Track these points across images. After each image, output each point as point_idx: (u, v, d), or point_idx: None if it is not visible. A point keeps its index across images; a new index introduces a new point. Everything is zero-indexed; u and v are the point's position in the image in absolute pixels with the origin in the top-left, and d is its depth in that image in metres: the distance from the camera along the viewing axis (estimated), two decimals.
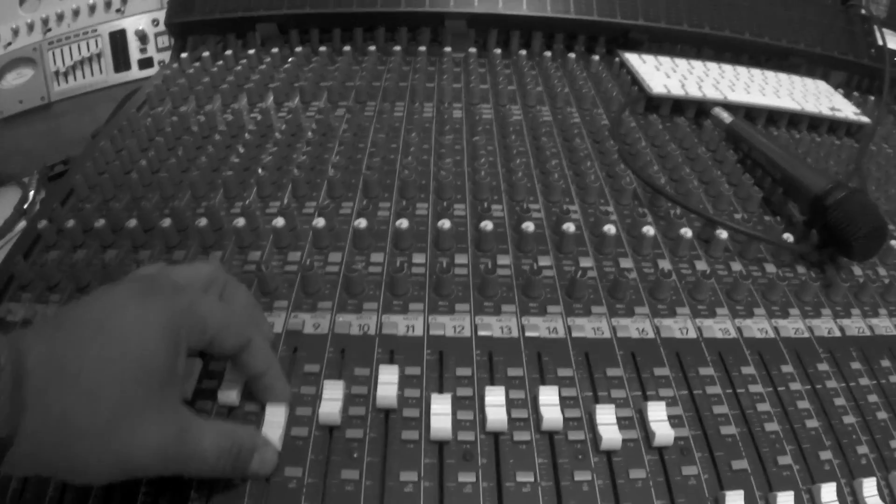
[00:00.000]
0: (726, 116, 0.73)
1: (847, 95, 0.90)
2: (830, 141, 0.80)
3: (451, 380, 0.41)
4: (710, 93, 0.79)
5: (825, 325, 0.50)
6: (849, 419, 0.43)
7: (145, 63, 1.01)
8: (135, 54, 1.01)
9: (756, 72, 0.89)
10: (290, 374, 0.40)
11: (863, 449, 0.41)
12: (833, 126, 0.83)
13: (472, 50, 0.87)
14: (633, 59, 0.86)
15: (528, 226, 0.52)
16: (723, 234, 0.55)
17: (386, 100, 0.74)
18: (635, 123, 0.73)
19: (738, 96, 0.79)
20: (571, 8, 0.88)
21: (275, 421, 0.36)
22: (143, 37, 0.99)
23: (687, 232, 0.54)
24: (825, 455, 0.40)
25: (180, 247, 0.51)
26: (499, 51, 0.86)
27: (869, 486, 0.38)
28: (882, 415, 0.44)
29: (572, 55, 0.87)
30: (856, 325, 0.51)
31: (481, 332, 0.44)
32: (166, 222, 0.51)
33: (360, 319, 0.45)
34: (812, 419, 0.42)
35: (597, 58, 0.87)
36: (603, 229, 0.53)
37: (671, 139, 0.70)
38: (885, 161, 0.78)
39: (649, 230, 0.53)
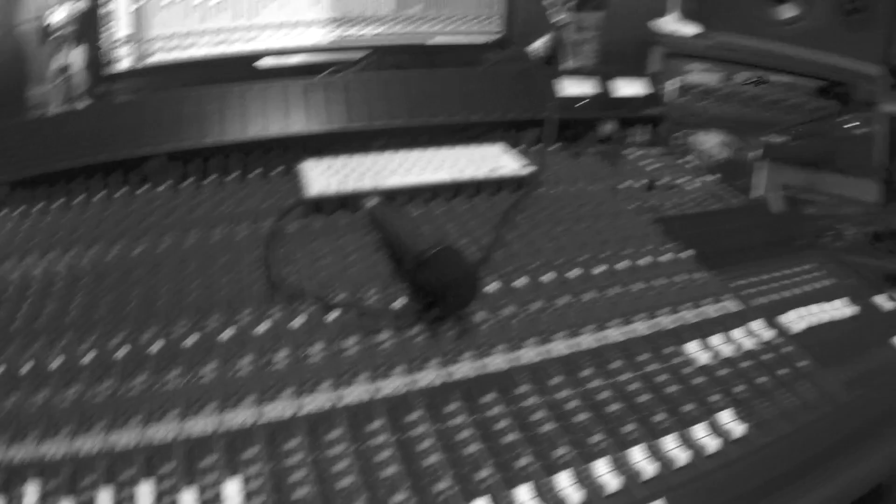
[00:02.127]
0: (370, 203, 0.80)
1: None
2: (499, 199, 0.89)
3: None
4: (368, 183, 0.86)
5: (429, 377, 0.56)
6: (433, 458, 0.49)
7: None
8: None
9: (431, 152, 0.98)
10: None
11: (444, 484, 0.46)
12: (502, 184, 0.92)
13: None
14: (308, 165, 0.92)
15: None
16: (332, 315, 0.62)
17: None
18: (301, 227, 0.79)
19: (396, 180, 0.87)
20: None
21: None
22: None
23: (301, 318, 0.62)
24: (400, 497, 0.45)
25: None
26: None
27: None
28: (471, 448, 0.50)
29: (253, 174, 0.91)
30: (461, 370, 0.57)
31: None
32: None
33: None
34: (391, 466, 0.48)
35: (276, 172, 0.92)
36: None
37: (324, 235, 0.77)
38: (547, 204, 0.88)
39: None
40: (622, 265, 0.71)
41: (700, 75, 1.33)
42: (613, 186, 0.94)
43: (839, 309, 0.70)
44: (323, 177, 0.87)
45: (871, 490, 0.54)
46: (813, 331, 0.68)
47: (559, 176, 0.96)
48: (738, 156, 1.22)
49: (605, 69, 1.22)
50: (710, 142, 1.21)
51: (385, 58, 1.23)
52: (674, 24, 1.37)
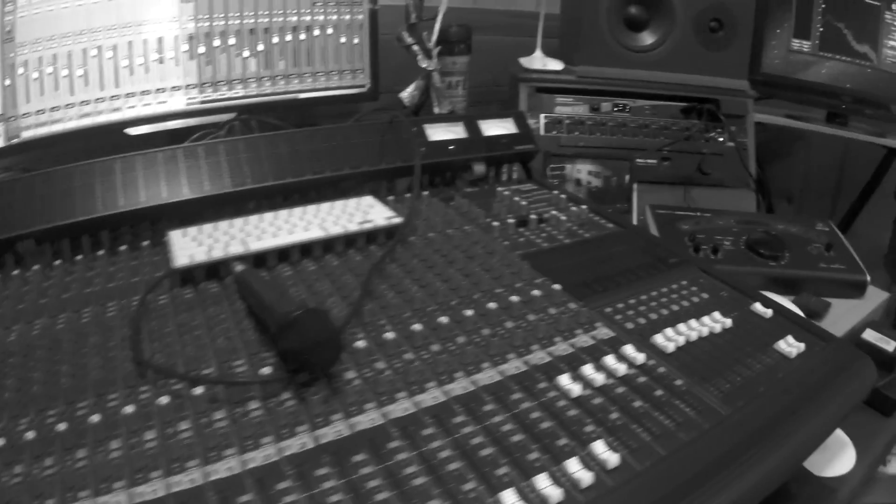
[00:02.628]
0: (237, 269, 0.78)
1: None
2: (371, 251, 0.89)
3: None
4: (235, 249, 0.84)
5: (298, 443, 0.55)
6: None
7: None
8: None
9: (301, 210, 0.96)
10: None
11: None
12: (373, 236, 0.92)
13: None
14: (175, 235, 0.88)
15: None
16: (197, 390, 0.59)
17: None
18: (168, 300, 0.76)
19: (262, 244, 0.85)
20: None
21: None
22: None
23: (163, 399, 0.59)
24: None
25: None
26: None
27: None
28: None
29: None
30: (331, 432, 0.56)
31: None
32: None
33: None
34: None
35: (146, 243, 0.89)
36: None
37: (193, 307, 0.75)
38: (419, 250, 0.88)
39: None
40: (492, 305, 0.70)
41: (568, 108, 1.34)
42: (487, 226, 0.95)
43: (715, 322, 0.74)
44: (190, 246, 0.84)
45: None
46: (687, 348, 0.70)
47: (432, 222, 0.96)
48: (610, 183, 1.25)
49: (476, 111, 1.26)
50: (582, 171, 1.23)
51: (251, 119, 1.24)
52: (540, 62, 1.40)
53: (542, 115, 1.38)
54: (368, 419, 0.57)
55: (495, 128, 1.19)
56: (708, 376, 0.62)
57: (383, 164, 1.08)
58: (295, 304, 0.59)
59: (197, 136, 1.08)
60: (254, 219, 0.92)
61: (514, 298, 0.72)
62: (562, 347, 0.64)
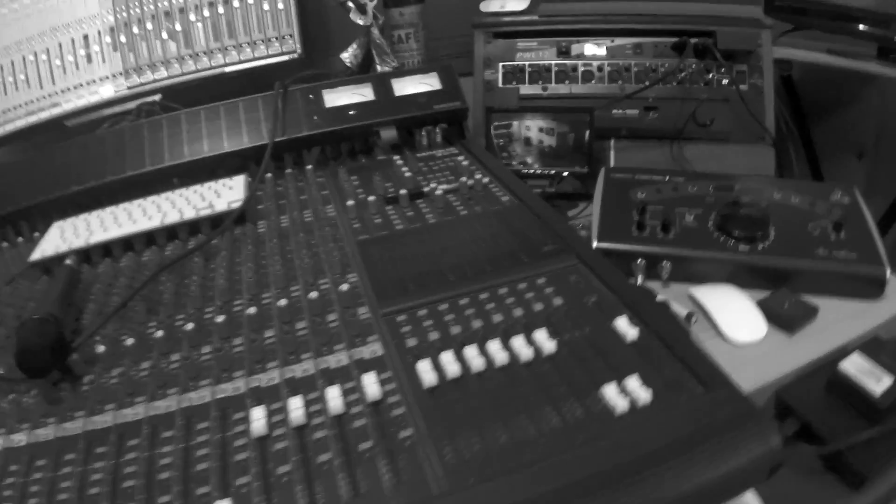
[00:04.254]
0: (67, 262, 0.74)
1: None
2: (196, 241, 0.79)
3: None
4: (79, 242, 0.79)
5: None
6: None
7: None
8: None
9: (168, 196, 0.88)
10: None
11: None
12: (217, 221, 0.82)
13: None
14: (58, 225, 0.86)
15: None
16: None
17: None
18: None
19: (101, 236, 0.79)
20: None
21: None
22: None
23: None
24: None
25: None
26: None
27: None
28: None
29: None
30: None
31: None
32: None
33: None
34: None
35: None
36: None
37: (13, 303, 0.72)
38: (253, 240, 0.77)
39: None
40: (283, 303, 0.62)
41: (531, 54, 1.10)
42: (355, 205, 0.81)
43: (530, 346, 0.54)
44: (59, 238, 0.80)
45: None
46: (463, 382, 0.51)
47: (292, 202, 0.85)
48: (566, 140, 1.00)
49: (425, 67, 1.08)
50: (531, 129, 0.99)
51: (156, 104, 1.19)
52: (500, 2, 1.16)
53: (501, 65, 1.13)
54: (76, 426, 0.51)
55: (414, 86, 1.02)
56: (458, 431, 0.46)
57: (283, 135, 0.96)
58: (39, 310, 0.58)
59: (108, 124, 1.15)
60: (129, 206, 0.86)
61: (314, 295, 0.63)
62: (304, 367, 0.54)
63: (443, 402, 0.50)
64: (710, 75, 1.10)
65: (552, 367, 0.52)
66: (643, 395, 0.48)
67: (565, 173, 1.04)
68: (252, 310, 0.60)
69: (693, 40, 1.11)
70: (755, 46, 1.10)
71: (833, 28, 1.29)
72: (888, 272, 0.82)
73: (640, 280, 0.85)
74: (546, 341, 0.54)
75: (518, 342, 0.54)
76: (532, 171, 1.06)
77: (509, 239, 0.69)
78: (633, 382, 0.50)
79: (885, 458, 0.67)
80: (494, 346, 0.54)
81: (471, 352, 0.54)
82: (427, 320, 0.59)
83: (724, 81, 1.10)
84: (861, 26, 1.24)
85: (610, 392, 0.49)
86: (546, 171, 1.05)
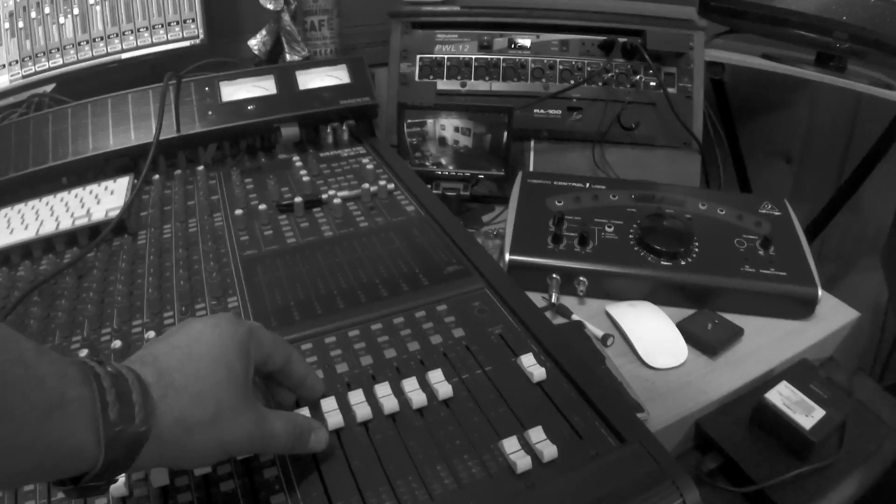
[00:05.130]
0: None
1: None
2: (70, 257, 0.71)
3: None
4: None
5: None
6: None
7: None
8: None
9: (48, 200, 0.80)
10: None
11: None
12: (95, 231, 0.73)
13: None
14: None
15: None
16: None
17: None
18: None
19: None
20: None
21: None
22: None
23: None
24: None
25: None
26: None
27: None
28: None
29: None
30: None
31: None
32: None
33: None
34: None
35: None
36: None
37: None
38: (128, 255, 0.70)
39: None
40: (117, 344, 0.55)
41: (451, 47, 1.02)
42: (244, 214, 0.73)
43: (436, 386, 0.49)
44: None
45: None
46: (338, 435, 0.46)
47: (178, 210, 0.77)
48: (483, 141, 0.93)
49: (347, 57, 1.00)
50: (447, 128, 0.92)
51: (45, 97, 1.06)
52: None
53: (418, 58, 1.05)
54: None
55: (320, 79, 0.94)
56: (337, 496, 0.42)
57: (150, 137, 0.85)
58: None
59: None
60: (9, 212, 0.78)
61: (153, 333, 0.55)
62: None
63: (321, 462, 0.44)
64: (638, 77, 1.04)
65: (448, 415, 0.47)
66: (548, 449, 0.43)
67: (481, 176, 0.97)
68: (117, 343, 0.54)
69: (622, 40, 1.04)
70: (686, 48, 1.06)
71: (771, 33, 1.24)
72: (820, 292, 0.78)
73: (554, 296, 0.80)
74: (442, 384, 0.48)
75: (410, 384, 0.49)
76: (446, 172, 0.98)
77: (410, 258, 0.63)
78: (538, 434, 0.45)
79: (813, 497, 0.64)
80: (383, 390, 0.48)
81: (356, 397, 0.48)
82: (311, 356, 0.52)
83: (652, 84, 1.04)
84: (801, 32, 1.19)
85: (511, 446, 0.44)
86: (461, 174, 0.98)
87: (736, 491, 0.65)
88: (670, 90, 1.05)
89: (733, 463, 0.66)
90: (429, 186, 0.87)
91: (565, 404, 0.47)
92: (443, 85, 1.07)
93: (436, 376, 0.48)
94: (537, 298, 0.79)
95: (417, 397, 0.47)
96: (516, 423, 0.46)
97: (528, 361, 0.50)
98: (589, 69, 1.05)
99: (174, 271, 0.64)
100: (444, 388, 0.48)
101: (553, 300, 0.79)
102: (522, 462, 0.42)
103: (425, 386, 0.48)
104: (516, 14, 1.10)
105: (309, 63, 0.96)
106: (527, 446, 0.44)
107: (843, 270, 1.47)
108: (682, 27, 1.08)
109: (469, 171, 1.00)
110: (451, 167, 1.00)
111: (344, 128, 0.91)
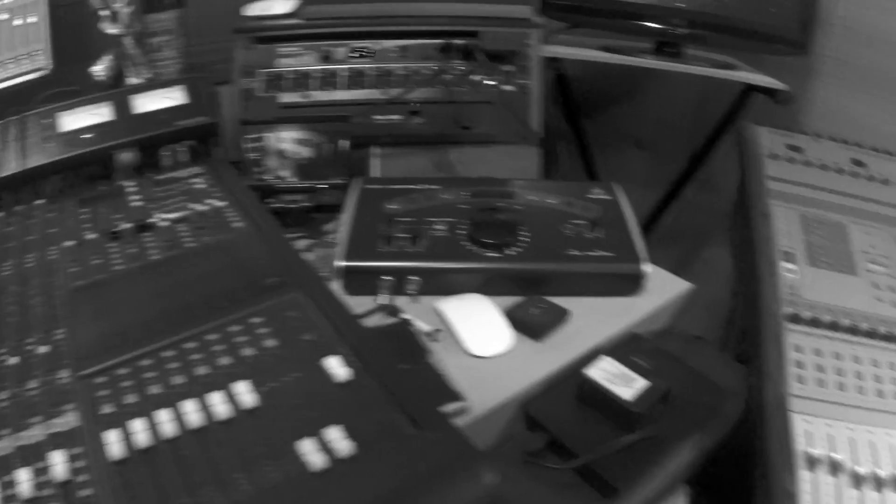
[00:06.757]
0: None
1: None
2: None
3: None
4: None
5: None
6: None
7: None
8: None
9: None
10: None
11: None
12: None
13: None
14: None
15: None
16: None
17: None
18: None
19: None
20: None
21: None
22: None
23: None
24: None
25: None
26: None
27: None
28: None
29: None
30: None
31: None
32: None
33: None
34: None
35: None
36: None
37: None
38: None
39: None
40: None
41: (293, 60, 1.04)
42: (75, 245, 0.75)
43: (241, 397, 0.52)
44: None
45: None
46: (146, 453, 0.48)
47: (18, 246, 0.77)
48: (324, 151, 0.96)
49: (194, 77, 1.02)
50: (285, 141, 0.94)
51: None
52: (266, 5, 1.09)
53: (261, 72, 1.09)
54: None
55: (158, 101, 0.96)
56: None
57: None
58: None
59: None
60: None
61: (14, 361, 0.58)
62: (2, 445, 0.49)
63: (132, 478, 0.47)
64: (476, 77, 1.08)
65: (253, 424, 0.51)
66: (344, 446, 0.48)
67: (324, 185, 1.00)
68: None
69: (460, 42, 1.09)
70: (522, 46, 1.10)
71: (611, 25, 1.32)
72: (644, 267, 0.85)
73: (387, 298, 0.83)
74: (247, 394, 0.52)
75: (217, 398, 0.52)
76: (287, 185, 1.01)
77: (232, 274, 0.67)
78: (335, 433, 0.48)
79: (638, 467, 0.68)
80: (190, 407, 0.51)
81: (165, 415, 0.51)
82: (127, 380, 0.55)
83: (491, 83, 1.09)
84: (639, 22, 1.27)
85: (307, 447, 0.48)
86: (302, 185, 1.01)
87: (561, 468, 0.68)
88: (510, 87, 1.10)
89: (559, 441, 0.69)
90: (271, 200, 0.90)
91: (370, 402, 0.51)
92: (286, 98, 1.09)
93: (242, 387, 0.52)
94: (371, 302, 0.83)
95: (223, 409, 0.50)
96: (318, 425, 0.49)
97: (332, 364, 0.54)
98: (427, 73, 1.08)
99: (10, 308, 0.66)
100: (249, 398, 0.51)
101: (384, 301, 0.82)
102: (317, 461, 0.46)
103: (232, 398, 0.51)
104: (358, 23, 1.13)
105: (146, 86, 0.98)
106: (324, 445, 0.47)
107: (700, 245, 1.55)
108: (519, 26, 1.13)
109: (311, 181, 1.02)
110: (293, 179, 1.02)
111: (184, 149, 0.92)
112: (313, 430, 0.49)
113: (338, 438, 0.48)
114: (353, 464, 0.47)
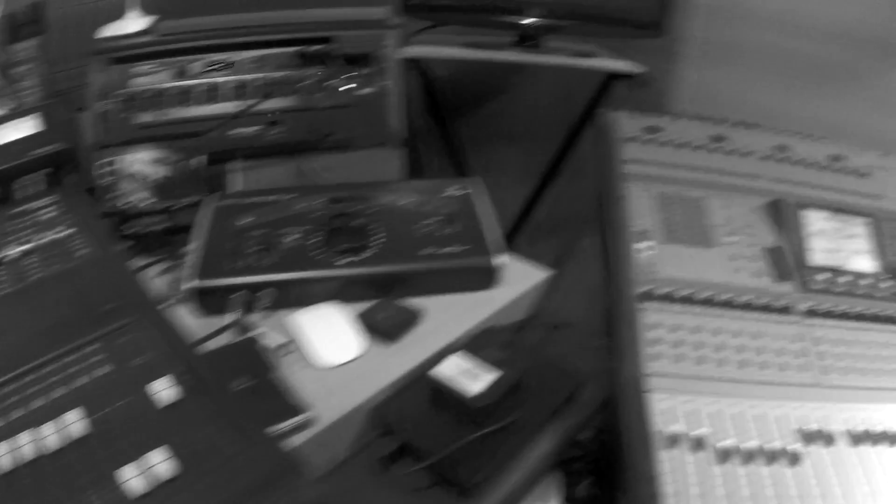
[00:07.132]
0: None
1: None
2: None
3: None
4: None
5: None
6: None
7: None
8: None
9: None
10: None
11: None
12: None
13: None
14: None
15: None
16: None
17: None
18: None
19: None
20: None
21: None
22: None
23: None
24: None
25: None
26: None
27: None
28: None
29: None
30: None
31: None
32: None
33: None
34: None
35: None
36: None
37: None
38: None
39: None
40: None
41: (149, 79, 1.04)
42: None
43: (70, 426, 0.54)
44: None
45: None
46: None
47: None
48: (180, 169, 0.96)
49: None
50: (140, 162, 0.94)
51: None
52: (124, 23, 1.09)
53: (116, 94, 1.09)
54: None
55: (11, 132, 0.96)
56: None
57: None
58: None
59: None
60: None
61: None
62: None
63: None
64: (333, 82, 1.10)
65: (80, 453, 0.53)
66: (168, 467, 0.50)
67: (182, 205, 1.01)
68: None
69: (315, 48, 1.10)
70: (378, 49, 1.13)
71: (471, 21, 1.37)
72: (495, 260, 0.87)
73: (237, 316, 0.84)
74: (78, 423, 0.55)
75: (48, 429, 0.54)
76: (141, 208, 1.01)
77: (72, 303, 0.68)
78: (159, 455, 0.51)
79: (490, 462, 0.69)
80: (25, 438, 0.54)
81: (2, 448, 0.53)
82: None
83: (349, 87, 1.10)
84: (497, 17, 1.32)
85: (128, 472, 0.49)
86: (158, 207, 1.01)
87: (408, 472, 0.70)
88: (369, 90, 1.12)
89: (412, 444, 0.70)
90: (131, 225, 0.90)
91: (198, 421, 0.54)
92: (142, 118, 1.09)
93: (71, 416, 0.54)
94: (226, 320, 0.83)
95: (53, 440, 0.53)
96: (143, 448, 0.52)
97: (160, 386, 0.56)
98: (283, 82, 1.10)
99: None
100: (79, 427, 0.53)
101: (234, 319, 0.82)
102: (138, 485, 0.49)
103: (63, 428, 0.54)
104: (213, 36, 1.13)
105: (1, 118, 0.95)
106: (147, 469, 0.49)
107: (578, 233, 1.61)
108: (374, 28, 1.15)
109: (169, 202, 1.02)
110: (151, 201, 1.02)
111: (39, 178, 0.92)
112: (136, 455, 0.51)
113: (161, 461, 0.50)
114: (175, 485, 0.49)
